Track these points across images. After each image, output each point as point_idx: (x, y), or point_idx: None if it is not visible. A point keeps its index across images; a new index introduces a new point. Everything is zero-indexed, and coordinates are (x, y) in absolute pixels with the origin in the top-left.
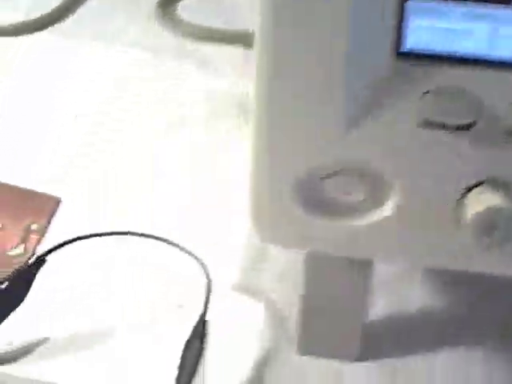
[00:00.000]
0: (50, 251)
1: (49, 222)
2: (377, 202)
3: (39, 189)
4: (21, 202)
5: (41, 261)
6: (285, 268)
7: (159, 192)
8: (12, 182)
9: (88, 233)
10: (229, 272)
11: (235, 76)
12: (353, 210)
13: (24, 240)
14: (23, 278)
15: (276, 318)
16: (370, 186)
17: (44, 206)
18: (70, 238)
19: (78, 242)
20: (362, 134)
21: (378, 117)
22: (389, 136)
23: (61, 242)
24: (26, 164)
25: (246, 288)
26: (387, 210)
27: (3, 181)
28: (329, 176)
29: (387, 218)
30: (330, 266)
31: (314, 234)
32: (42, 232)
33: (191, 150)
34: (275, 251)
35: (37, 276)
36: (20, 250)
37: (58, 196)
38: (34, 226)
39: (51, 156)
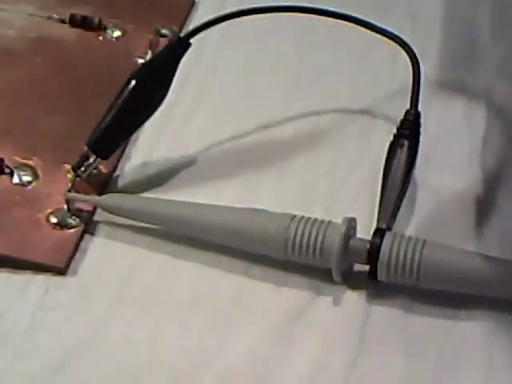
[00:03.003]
0: (193, 32)
1: (182, 26)
2: None
3: None
4: (148, 3)
5: (185, 44)
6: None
7: None
8: None
9: None
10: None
11: None
12: None
13: (153, 46)
14: (164, 66)
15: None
16: None
17: (176, 7)
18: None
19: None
20: None
21: None
22: None
23: (205, 21)
24: None
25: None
26: None
27: None
28: None
29: None
30: None
31: None
32: (175, 36)
33: None
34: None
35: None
36: (148, 56)
37: None
38: (164, 30)
39: None
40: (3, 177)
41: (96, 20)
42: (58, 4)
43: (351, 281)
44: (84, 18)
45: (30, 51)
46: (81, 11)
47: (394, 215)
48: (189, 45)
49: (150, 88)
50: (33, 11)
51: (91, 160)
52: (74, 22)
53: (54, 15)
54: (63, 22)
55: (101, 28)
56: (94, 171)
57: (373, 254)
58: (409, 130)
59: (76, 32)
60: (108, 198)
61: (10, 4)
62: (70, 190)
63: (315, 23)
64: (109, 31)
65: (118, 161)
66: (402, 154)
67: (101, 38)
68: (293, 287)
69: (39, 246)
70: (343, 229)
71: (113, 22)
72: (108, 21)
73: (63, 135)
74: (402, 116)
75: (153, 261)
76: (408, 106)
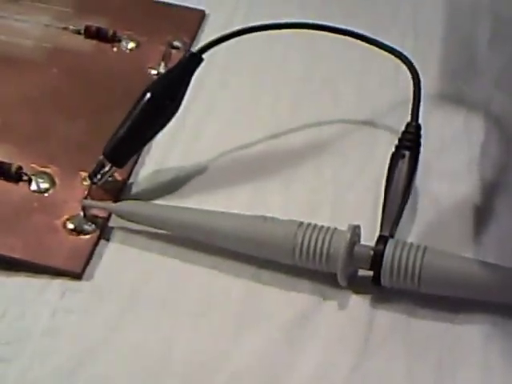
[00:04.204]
0: (205, 47)
1: (193, 38)
2: None
3: (181, 1)
4: (160, 16)
5: (198, 59)
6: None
7: None
8: None
9: None
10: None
11: None
12: None
13: (165, 57)
14: (178, 80)
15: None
16: None
17: (188, 20)
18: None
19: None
20: None
21: None
22: None
23: (217, 37)
24: None
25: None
26: None
27: None
28: None
29: None
30: None
31: None
32: (186, 49)
33: None
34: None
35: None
36: (161, 68)
37: (203, 8)
38: (176, 43)
39: None
40: (21, 184)
41: (111, 32)
42: (73, 15)
43: (356, 286)
44: (99, 30)
45: (46, 61)
46: (96, 23)
47: (397, 223)
48: (201, 59)
49: (164, 100)
50: (49, 22)
51: (107, 168)
52: (89, 33)
53: (70, 26)
54: (79, 33)
55: (115, 40)
56: (110, 179)
57: (376, 260)
58: (410, 142)
59: (91, 43)
60: (122, 205)
61: (27, 15)
62: (86, 197)
63: (321, 37)
64: (123, 43)
65: (132, 169)
66: (403, 165)
67: (115, 49)
68: (300, 291)
69: (56, 251)
70: (348, 236)
71: (127, 33)
72: (122, 33)
73: (79, 143)
74: (403, 126)
75: (165, 265)
76: (409, 117)
